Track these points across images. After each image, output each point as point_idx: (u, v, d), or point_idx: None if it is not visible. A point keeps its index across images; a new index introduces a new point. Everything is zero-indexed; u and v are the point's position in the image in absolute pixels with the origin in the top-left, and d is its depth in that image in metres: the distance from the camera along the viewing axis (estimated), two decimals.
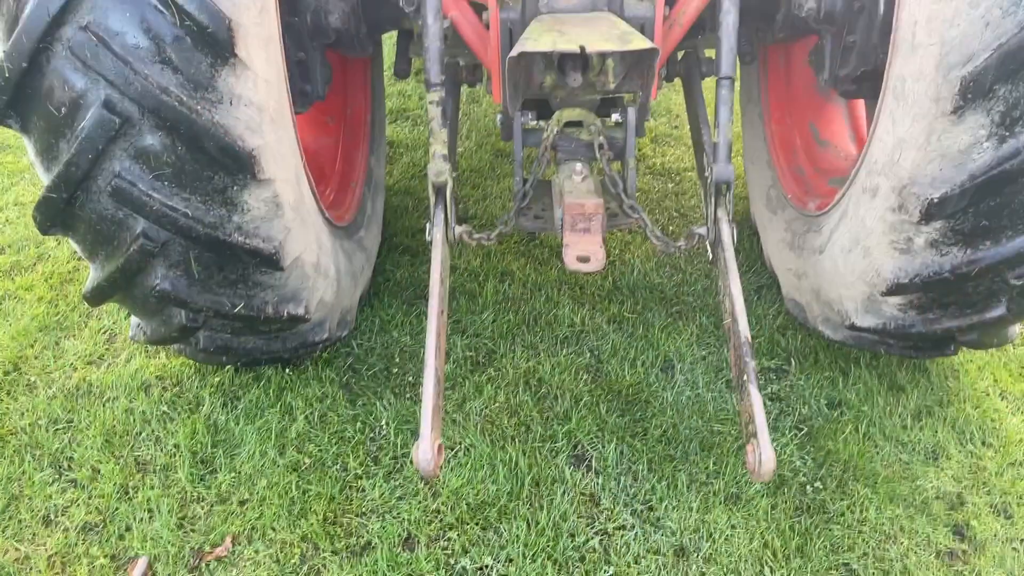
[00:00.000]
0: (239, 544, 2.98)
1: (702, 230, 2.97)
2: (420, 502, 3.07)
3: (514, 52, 2.71)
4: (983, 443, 3.28)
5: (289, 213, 2.67)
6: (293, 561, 2.91)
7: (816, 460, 3.20)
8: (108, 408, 3.48)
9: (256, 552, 2.95)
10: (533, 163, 3.28)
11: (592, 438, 3.27)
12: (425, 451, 2.32)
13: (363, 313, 3.86)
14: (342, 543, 2.96)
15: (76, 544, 2.94)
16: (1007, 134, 2.27)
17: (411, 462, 3.19)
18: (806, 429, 3.32)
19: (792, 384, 3.52)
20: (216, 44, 2.23)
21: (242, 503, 3.12)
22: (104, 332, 3.89)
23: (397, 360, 3.66)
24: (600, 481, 3.12)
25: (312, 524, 3.00)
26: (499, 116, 3.39)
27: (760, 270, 4.11)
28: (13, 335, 3.88)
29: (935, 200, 2.41)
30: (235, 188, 2.45)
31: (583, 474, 3.16)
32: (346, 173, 4.02)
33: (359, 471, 3.18)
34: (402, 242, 4.33)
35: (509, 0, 3.07)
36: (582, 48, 2.70)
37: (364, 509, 3.06)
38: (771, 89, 4.17)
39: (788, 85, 4.16)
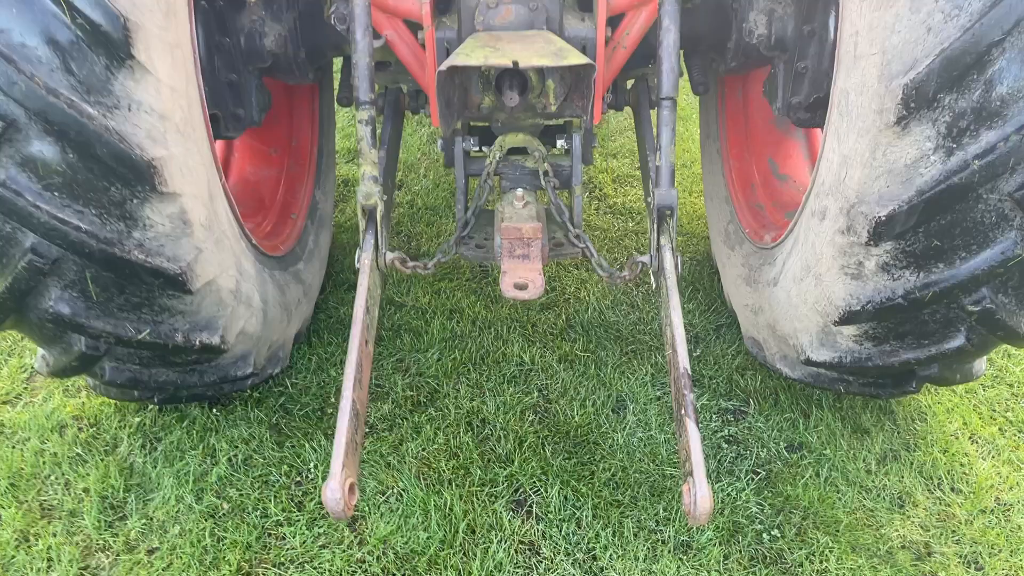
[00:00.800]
0: None
1: (645, 258, 2.80)
2: (344, 551, 2.82)
3: (444, 66, 2.59)
4: (952, 489, 3.08)
5: (199, 232, 2.48)
6: None
7: (774, 506, 2.98)
8: (17, 449, 3.24)
9: None
10: (475, 190, 3.14)
11: (535, 482, 3.04)
12: (334, 490, 2.10)
13: (300, 350, 3.65)
14: None
15: None
16: (954, 146, 2.12)
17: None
18: (764, 473, 3.11)
19: (751, 426, 3.32)
20: (111, 44, 2.07)
21: (150, 552, 2.86)
22: (24, 370, 3.66)
23: (332, 400, 3.44)
24: (541, 528, 2.89)
25: (223, 575, 2.75)
26: (440, 141, 3.25)
27: (719, 309, 3.94)
28: None
29: (882, 218, 2.26)
30: (134, 201, 2.27)
31: (522, 520, 2.92)
32: (287, 204, 3.86)
33: (280, 517, 2.94)
34: (348, 278, 4.15)
35: (445, 19, 2.96)
36: (515, 63, 2.57)
37: (282, 559, 2.81)
38: (729, 124, 4.06)
39: (746, 120, 4.06)
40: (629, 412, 3.36)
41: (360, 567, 2.78)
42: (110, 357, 2.68)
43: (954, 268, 2.30)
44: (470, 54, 2.63)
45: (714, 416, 3.36)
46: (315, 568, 2.77)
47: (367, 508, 2.97)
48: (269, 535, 2.90)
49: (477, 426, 3.30)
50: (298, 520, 2.93)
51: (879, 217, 2.26)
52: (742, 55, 3.35)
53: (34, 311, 2.42)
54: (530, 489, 3.03)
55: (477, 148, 3.20)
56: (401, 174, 5.11)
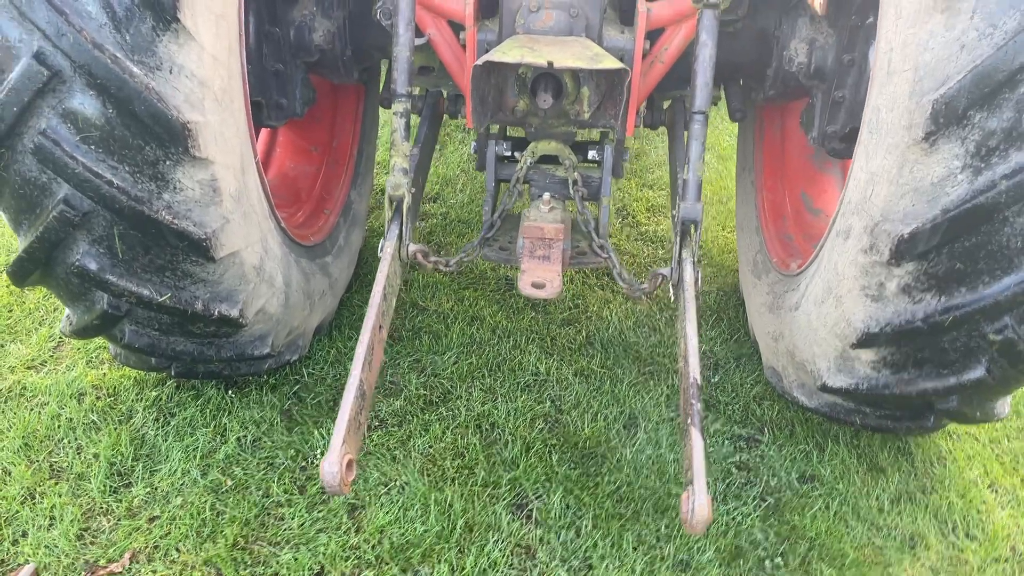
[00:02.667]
0: (137, 562, 2.74)
1: (665, 271, 2.80)
2: (340, 536, 2.82)
3: (480, 60, 2.64)
4: (966, 535, 2.98)
5: (228, 202, 2.54)
6: None
7: (779, 534, 2.91)
8: (35, 412, 3.30)
9: (153, 572, 2.70)
10: (504, 194, 3.17)
11: (538, 487, 3.01)
12: (331, 463, 2.11)
13: (320, 342, 3.68)
14: (247, 571, 2.70)
15: None
16: (982, 165, 2.10)
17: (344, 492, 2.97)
18: (772, 501, 3.04)
19: (763, 454, 3.26)
20: (158, 6, 2.16)
21: (151, 520, 2.89)
22: (52, 339, 3.74)
23: None
24: (539, 532, 2.85)
25: (220, 548, 2.76)
26: (473, 144, 3.29)
27: (742, 339, 3.89)
28: None
29: (905, 236, 2.23)
30: (167, 163, 2.33)
31: (521, 523, 2.89)
32: (322, 200, 3.93)
33: (281, 498, 2.95)
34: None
35: (488, 21, 3.03)
36: (550, 63, 2.61)
37: (279, 538, 2.81)
38: (766, 156, 4.06)
39: (783, 153, 4.05)
40: (640, 429, 3.32)
41: (354, 553, 2.76)
42: (131, 319, 2.73)
43: (976, 293, 2.25)
44: (507, 52, 2.68)
45: (727, 441, 3.30)
46: (309, 550, 2.76)
47: (368, 498, 2.96)
48: (268, 514, 2.90)
49: (486, 429, 3.29)
50: (298, 502, 2.93)
51: (902, 235, 2.24)
52: (781, 83, 3.36)
53: (61, 264, 2.49)
54: (532, 494, 3.00)
55: (509, 153, 3.23)
56: (438, 187, 5.17)
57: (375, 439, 3.21)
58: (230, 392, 3.40)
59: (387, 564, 2.72)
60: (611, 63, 2.65)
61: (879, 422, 2.93)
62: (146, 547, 2.78)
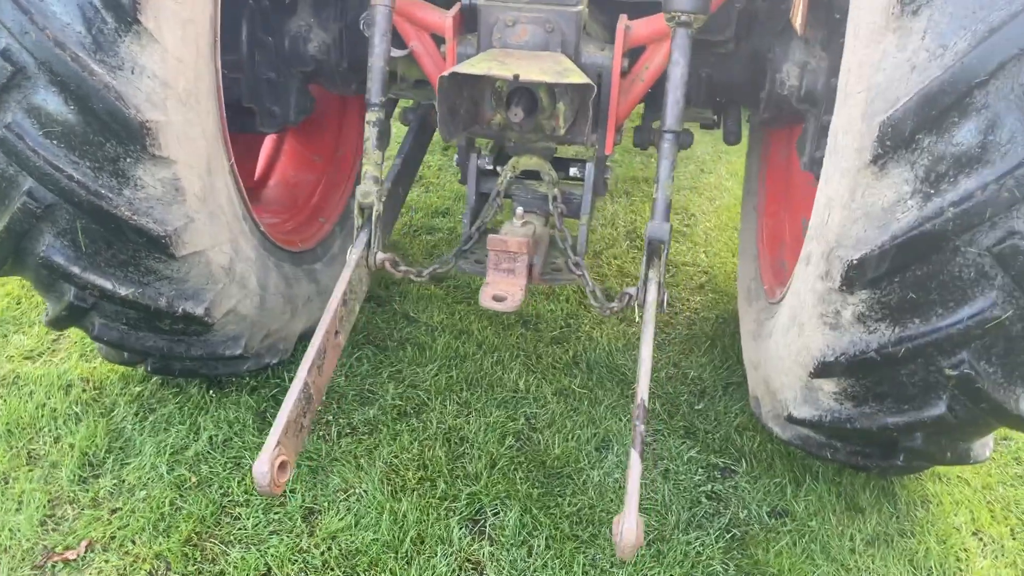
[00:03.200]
0: (92, 551, 2.79)
1: (632, 290, 2.75)
2: (292, 539, 2.83)
3: (446, 72, 2.65)
4: None
5: (193, 202, 2.59)
6: None
7: (741, 567, 2.82)
8: (23, 400, 3.40)
9: (106, 562, 2.75)
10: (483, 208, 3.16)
11: (496, 503, 2.98)
12: (262, 463, 2.12)
13: (305, 348, 3.71)
14: (194, 567, 2.73)
15: None
16: (932, 191, 2.01)
17: (291, 493, 2.99)
18: (737, 533, 2.95)
19: (736, 485, 3.16)
20: (119, 7, 2.23)
21: (113, 511, 2.94)
22: (52, 333, 3.86)
23: (324, 399, 3.48)
24: (490, 549, 2.82)
25: (172, 542, 2.79)
26: (456, 157, 3.30)
27: (734, 367, 3.80)
28: None
29: (854, 263, 2.15)
30: (127, 160, 2.39)
31: (474, 538, 2.86)
32: (318, 208, 3.98)
33: (240, 498, 2.97)
34: (372, 291, 4.21)
35: (469, 36, 3.04)
36: (516, 76, 2.61)
37: (231, 537, 2.84)
38: (769, 182, 3.98)
39: (787, 180, 3.96)
40: (612, 452, 3.26)
41: (302, 556, 2.77)
42: (99, 313, 2.80)
43: (930, 324, 2.15)
44: (475, 64, 2.69)
45: (700, 470, 3.22)
46: (259, 551, 2.77)
47: (326, 503, 2.97)
48: (225, 512, 2.93)
49: (455, 443, 3.27)
50: (256, 503, 2.95)
51: (852, 261, 2.16)
52: (775, 107, 3.30)
53: (30, 255, 2.57)
54: (490, 510, 2.96)
55: (491, 167, 3.23)
56: (449, 202, 5.20)
57: (343, 445, 3.22)
58: (211, 392, 3.45)
59: (333, 570, 2.72)
60: (578, 78, 2.63)
61: (850, 458, 2.82)
62: (103, 537, 2.83)
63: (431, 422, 3.35)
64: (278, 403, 3.41)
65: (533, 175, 3.18)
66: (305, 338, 3.66)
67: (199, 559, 2.76)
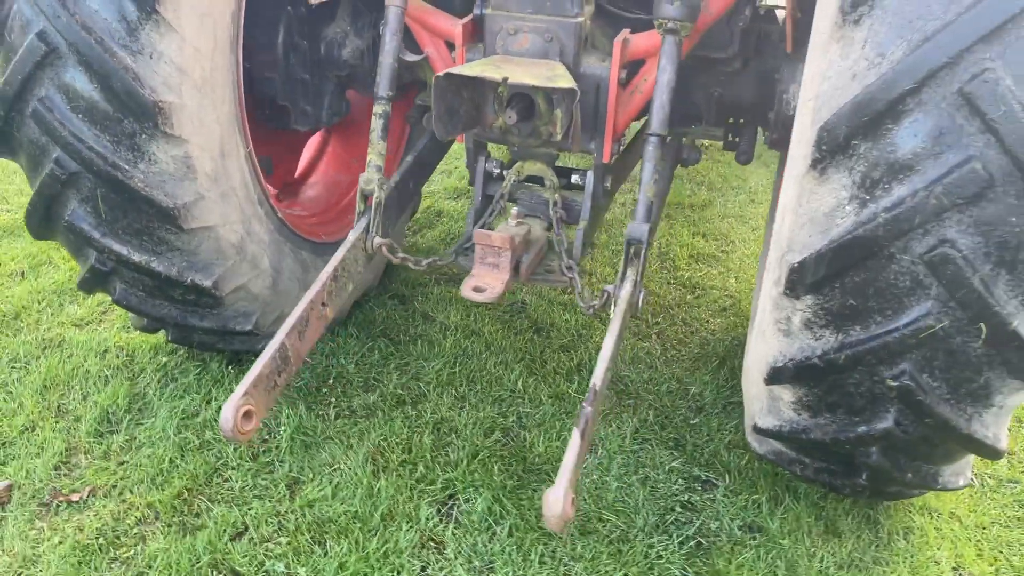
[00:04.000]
0: (94, 496, 3.04)
1: (611, 288, 2.83)
2: (272, 504, 3.00)
3: (441, 72, 2.82)
4: None
5: (204, 181, 2.84)
6: (128, 521, 2.92)
7: (700, 575, 2.82)
8: (63, 361, 3.73)
9: (104, 506, 2.99)
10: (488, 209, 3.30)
11: (469, 489, 3.08)
12: (228, 409, 2.28)
13: (323, 337, 3.92)
14: (179, 519, 2.94)
15: None
16: (867, 197, 2.03)
17: (280, 462, 3.17)
18: (704, 543, 2.95)
19: (714, 498, 3.16)
20: None
21: (120, 464, 3.19)
22: (102, 305, 4.20)
23: (331, 382, 3.67)
24: (454, 531, 2.92)
25: (165, 495, 3.01)
26: (465, 160, 3.46)
27: (737, 387, 3.78)
28: (31, 291, 4.29)
29: (795, 266, 2.19)
30: (143, 136, 2.66)
31: (441, 519, 2.97)
32: (349, 207, 4.20)
33: (233, 462, 3.18)
34: (397, 289, 4.41)
35: (478, 43, 3.21)
36: (504, 79, 2.76)
37: (217, 496, 3.04)
38: None
39: None
40: (595, 456, 3.31)
41: (278, 519, 2.94)
42: (120, 278, 3.07)
43: (869, 331, 2.16)
44: (469, 67, 2.85)
45: (681, 480, 3.23)
46: (239, 511, 2.96)
47: (311, 475, 3.14)
48: (217, 474, 3.14)
49: (444, 432, 3.39)
50: (247, 468, 3.15)
51: (792, 265, 2.20)
52: (783, 127, 3.33)
53: (58, 219, 2.87)
54: (462, 496, 3.07)
55: (498, 171, 3.38)
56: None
57: (337, 425, 3.39)
58: (230, 368, 3.70)
59: (303, 534, 2.87)
60: (564, 83, 2.76)
61: (818, 475, 2.79)
62: (106, 485, 3.08)
63: (425, 412, 3.49)
64: (289, 384, 3.63)
65: (537, 180, 3.31)
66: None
67: (185, 512, 2.96)
